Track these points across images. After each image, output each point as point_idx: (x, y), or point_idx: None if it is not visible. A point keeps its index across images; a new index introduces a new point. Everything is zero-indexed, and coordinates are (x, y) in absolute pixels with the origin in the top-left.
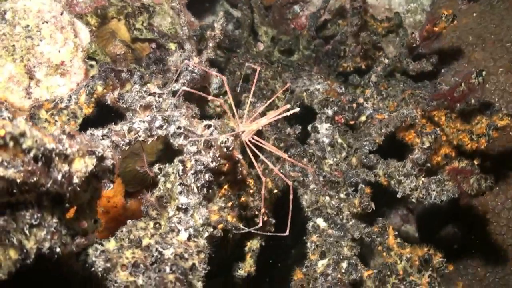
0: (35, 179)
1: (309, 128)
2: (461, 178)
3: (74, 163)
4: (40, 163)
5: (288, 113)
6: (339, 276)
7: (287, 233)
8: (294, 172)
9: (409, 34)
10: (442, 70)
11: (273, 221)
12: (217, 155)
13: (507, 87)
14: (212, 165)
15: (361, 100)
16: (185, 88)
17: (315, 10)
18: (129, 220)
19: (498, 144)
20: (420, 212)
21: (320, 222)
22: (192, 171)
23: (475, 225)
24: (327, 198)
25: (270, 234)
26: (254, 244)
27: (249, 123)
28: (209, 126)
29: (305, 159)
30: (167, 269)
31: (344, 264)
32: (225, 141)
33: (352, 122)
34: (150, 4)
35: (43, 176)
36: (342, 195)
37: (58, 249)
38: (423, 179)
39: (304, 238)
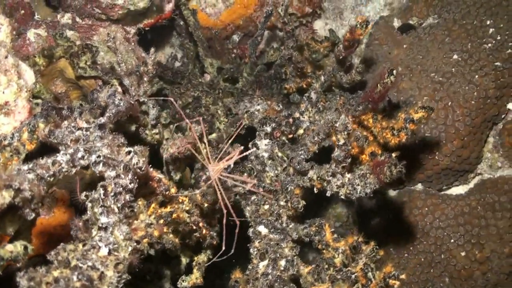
0: None
1: (249, 145)
2: (379, 169)
3: None
4: None
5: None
6: (278, 273)
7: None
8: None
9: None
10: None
11: (214, 234)
12: (135, 177)
13: (432, 115)
14: (131, 186)
15: (297, 114)
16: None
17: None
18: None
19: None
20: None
21: (262, 229)
22: (112, 193)
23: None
24: (267, 206)
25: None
26: (201, 258)
27: (217, 163)
28: (129, 152)
29: (245, 174)
30: (74, 278)
31: (283, 262)
32: (137, 163)
33: (290, 136)
34: (94, 44)
35: None
36: (282, 203)
37: None
38: (348, 175)
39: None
